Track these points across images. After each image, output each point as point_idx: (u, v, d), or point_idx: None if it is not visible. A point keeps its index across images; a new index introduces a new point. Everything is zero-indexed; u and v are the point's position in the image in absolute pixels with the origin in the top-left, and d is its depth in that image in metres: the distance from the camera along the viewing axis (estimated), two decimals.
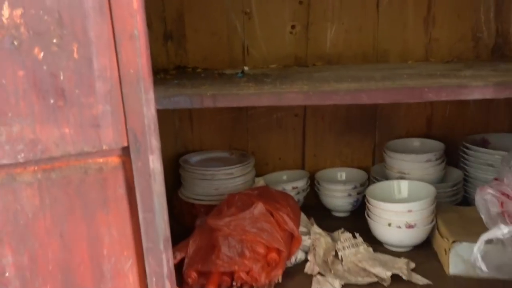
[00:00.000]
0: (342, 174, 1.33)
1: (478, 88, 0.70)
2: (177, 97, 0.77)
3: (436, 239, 1.01)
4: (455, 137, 1.27)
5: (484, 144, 1.23)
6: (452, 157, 1.25)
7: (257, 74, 1.09)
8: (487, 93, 0.70)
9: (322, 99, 0.73)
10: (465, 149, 1.20)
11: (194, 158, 1.32)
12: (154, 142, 0.67)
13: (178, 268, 0.94)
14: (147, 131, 0.66)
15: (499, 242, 0.81)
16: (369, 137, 1.35)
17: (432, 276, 0.92)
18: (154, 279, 0.70)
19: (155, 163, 0.67)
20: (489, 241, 0.82)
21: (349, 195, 1.23)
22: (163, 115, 1.43)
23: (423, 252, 1.02)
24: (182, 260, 0.96)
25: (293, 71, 1.14)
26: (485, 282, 0.87)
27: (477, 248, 0.77)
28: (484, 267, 0.77)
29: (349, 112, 1.34)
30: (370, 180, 1.26)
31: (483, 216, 0.85)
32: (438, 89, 0.72)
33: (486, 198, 0.84)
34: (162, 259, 0.70)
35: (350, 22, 1.26)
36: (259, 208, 0.94)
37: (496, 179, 0.89)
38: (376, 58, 1.29)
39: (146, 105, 0.65)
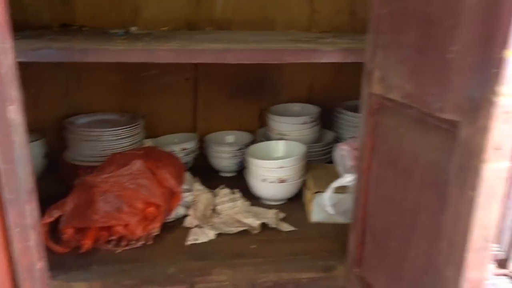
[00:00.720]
0: (230, 136, 1.40)
1: (328, 52, 0.80)
2: (44, 50, 0.75)
3: (304, 192, 1.12)
4: (333, 103, 1.39)
5: (357, 109, 1.36)
6: (329, 121, 1.37)
7: (141, 34, 1.09)
8: (335, 57, 0.80)
9: (190, 58, 0.77)
10: (338, 114, 1.32)
11: (81, 120, 1.30)
12: (13, 92, 0.65)
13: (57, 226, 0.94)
14: (5, 81, 0.64)
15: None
16: (257, 102, 1.42)
17: (297, 224, 1.03)
18: (17, 230, 0.70)
19: (15, 114, 0.66)
20: (343, 190, 0.93)
21: (235, 156, 1.30)
22: (48, 75, 1.37)
23: (294, 204, 1.13)
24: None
25: (178, 34, 1.15)
26: (338, 226, 0.99)
27: (327, 195, 0.88)
28: (331, 210, 0.88)
29: (238, 78, 1.40)
30: (255, 142, 1.34)
31: (340, 169, 0.96)
32: (295, 52, 0.80)
33: (342, 154, 0.95)
34: (25, 210, 0.70)
35: None
36: (137, 165, 0.97)
37: (354, 137, 1.00)
38: (265, 26, 1.35)
39: (3, 54, 0.63)
